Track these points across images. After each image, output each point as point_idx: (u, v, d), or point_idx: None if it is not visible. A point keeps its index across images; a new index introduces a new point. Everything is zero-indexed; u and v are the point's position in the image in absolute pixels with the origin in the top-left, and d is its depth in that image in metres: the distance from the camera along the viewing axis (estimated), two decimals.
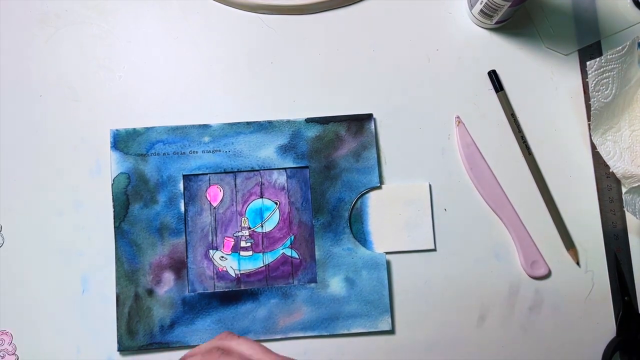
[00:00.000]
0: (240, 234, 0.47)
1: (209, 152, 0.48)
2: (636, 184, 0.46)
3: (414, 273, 0.47)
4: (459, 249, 0.48)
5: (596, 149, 0.48)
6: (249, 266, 0.47)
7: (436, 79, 0.50)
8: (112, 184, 0.47)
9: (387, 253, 0.47)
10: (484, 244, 0.48)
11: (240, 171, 0.48)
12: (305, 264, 0.47)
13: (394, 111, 0.49)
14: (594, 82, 0.46)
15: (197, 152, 0.47)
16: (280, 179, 0.48)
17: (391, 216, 0.48)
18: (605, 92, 0.46)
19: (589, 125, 0.48)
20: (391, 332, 0.46)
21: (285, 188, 0.48)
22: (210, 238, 0.47)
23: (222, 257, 0.47)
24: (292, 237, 0.47)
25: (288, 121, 0.48)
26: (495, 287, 0.47)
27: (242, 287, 0.46)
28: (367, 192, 0.48)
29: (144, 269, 0.46)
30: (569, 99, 0.50)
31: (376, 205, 0.48)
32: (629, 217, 0.48)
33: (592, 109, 0.46)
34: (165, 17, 0.50)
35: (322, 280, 0.46)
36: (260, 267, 0.47)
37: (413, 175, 0.49)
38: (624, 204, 0.46)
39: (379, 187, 0.48)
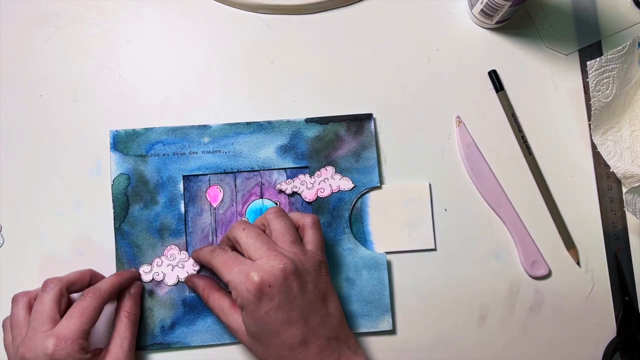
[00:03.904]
0: None
1: (208, 152, 0.48)
2: (636, 184, 0.46)
3: (414, 273, 0.47)
4: (459, 248, 0.48)
5: (596, 149, 0.48)
6: None
7: (436, 79, 0.50)
8: (112, 185, 0.47)
9: (387, 253, 0.47)
10: (484, 244, 0.48)
11: (240, 171, 0.48)
12: None
13: (394, 111, 0.49)
14: (594, 82, 0.46)
15: (197, 153, 0.47)
16: (280, 179, 0.48)
17: (391, 216, 0.48)
18: (606, 92, 0.46)
19: (589, 125, 0.48)
20: (392, 332, 0.46)
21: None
22: (210, 239, 0.47)
23: None
24: None
25: (288, 121, 0.48)
26: (495, 287, 0.47)
27: None
28: (367, 192, 0.48)
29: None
30: (569, 99, 0.50)
31: (376, 205, 0.48)
32: (630, 217, 0.48)
33: (592, 108, 0.46)
34: (165, 17, 0.50)
35: None
36: None
37: (413, 175, 0.49)
38: (625, 204, 0.46)
39: (379, 187, 0.48)
